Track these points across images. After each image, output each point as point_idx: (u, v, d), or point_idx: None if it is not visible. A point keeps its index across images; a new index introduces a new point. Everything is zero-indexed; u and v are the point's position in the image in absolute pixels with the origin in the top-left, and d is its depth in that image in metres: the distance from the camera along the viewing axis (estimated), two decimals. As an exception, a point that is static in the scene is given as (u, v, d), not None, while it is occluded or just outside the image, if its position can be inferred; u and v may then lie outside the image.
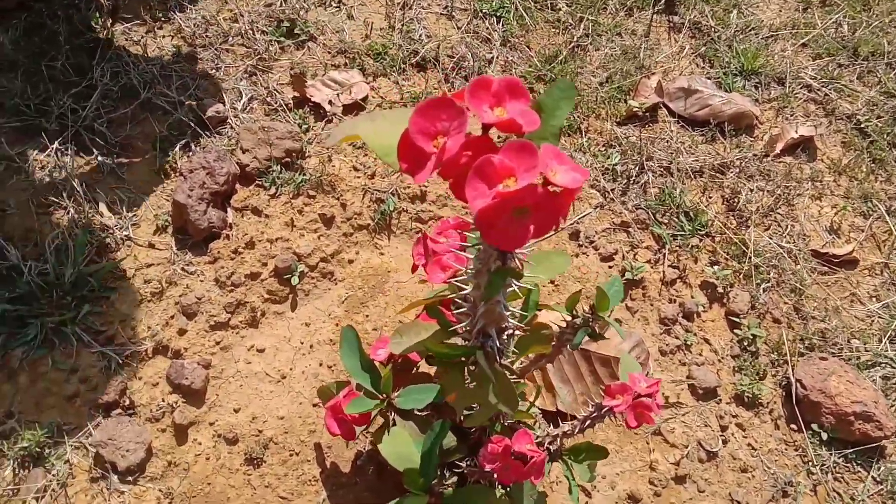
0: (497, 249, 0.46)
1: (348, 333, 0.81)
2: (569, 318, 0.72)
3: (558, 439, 0.83)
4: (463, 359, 0.62)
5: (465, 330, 0.59)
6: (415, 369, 0.88)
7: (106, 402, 0.90)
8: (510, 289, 0.53)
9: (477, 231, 0.48)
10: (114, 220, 1.03)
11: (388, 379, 0.79)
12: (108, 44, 1.19)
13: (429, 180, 1.13)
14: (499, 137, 0.42)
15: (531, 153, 0.37)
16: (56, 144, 1.08)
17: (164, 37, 1.25)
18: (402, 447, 0.79)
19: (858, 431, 1.01)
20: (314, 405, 0.96)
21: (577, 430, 0.81)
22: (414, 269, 0.72)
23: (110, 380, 0.91)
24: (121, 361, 0.93)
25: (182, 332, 0.98)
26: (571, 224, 1.16)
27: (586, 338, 0.74)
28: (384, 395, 0.80)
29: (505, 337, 0.60)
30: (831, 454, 1.01)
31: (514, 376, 0.64)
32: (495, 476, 0.74)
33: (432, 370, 0.87)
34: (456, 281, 0.54)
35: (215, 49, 1.24)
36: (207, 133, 1.14)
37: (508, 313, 0.55)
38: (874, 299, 1.17)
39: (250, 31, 1.26)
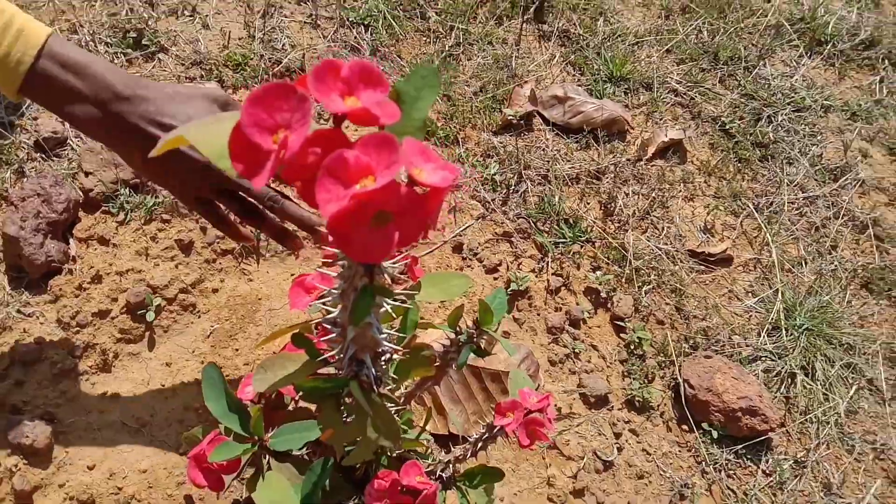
0: (362, 264, 0.40)
1: (210, 372, 0.72)
2: (452, 336, 0.67)
3: (451, 465, 0.78)
4: (339, 391, 0.55)
5: (336, 359, 0.52)
6: (292, 405, 0.80)
7: (-79, 475, 0.76)
8: (382, 309, 0.47)
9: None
10: (-71, 259, 0.89)
11: (259, 419, 0.71)
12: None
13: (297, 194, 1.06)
14: (355, 130, 0.36)
15: (391, 147, 0.31)
16: None
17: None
18: (279, 493, 0.70)
19: (746, 426, 1.01)
20: (181, 454, 0.86)
21: (469, 454, 0.76)
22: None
23: (-73, 447, 0.78)
24: (-60, 424, 0.79)
25: (20, 383, 0.85)
26: (454, 237, 1.11)
27: (472, 355, 0.69)
28: (256, 438, 0.71)
29: (382, 362, 0.53)
30: (723, 452, 1.01)
31: (395, 405, 0.58)
32: (385, 515, 0.67)
33: (310, 405, 0.80)
34: (323, 304, 0.47)
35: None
36: (43, 156, 1.01)
37: (383, 336, 0.49)
38: (750, 294, 1.20)
39: (92, 44, 1.14)
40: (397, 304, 0.43)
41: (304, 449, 0.74)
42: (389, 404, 0.54)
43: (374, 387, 0.52)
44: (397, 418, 0.57)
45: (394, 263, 0.44)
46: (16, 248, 0.90)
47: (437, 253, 1.10)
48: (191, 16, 1.22)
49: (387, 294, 0.42)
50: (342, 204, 0.31)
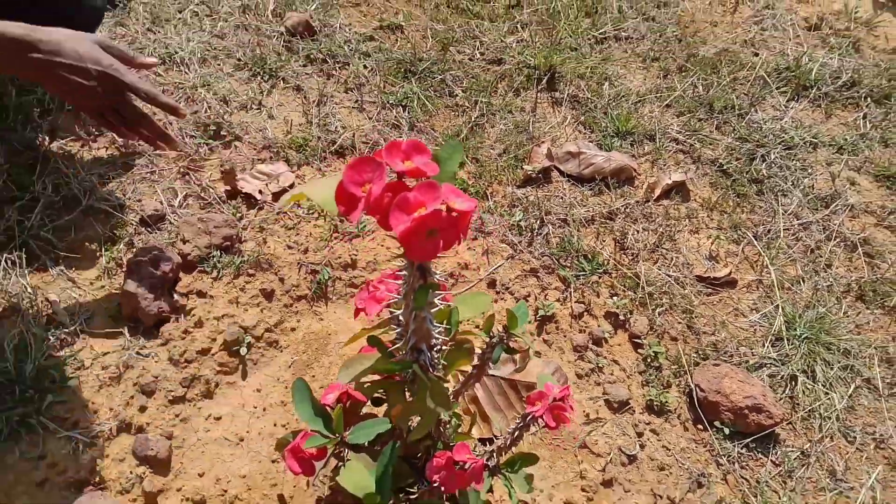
0: (418, 268, 0.59)
1: (299, 384, 0.91)
2: (487, 339, 0.85)
3: (494, 455, 0.95)
4: (401, 377, 0.74)
5: (401, 353, 0.71)
6: (361, 410, 0.98)
7: (77, 480, 0.96)
8: (434, 308, 0.66)
9: (404, 261, 0.62)
10: (68, 316, 1.11)
11: (340, 419, 0.90)
12: (45, 160, 1.29)
13: (358, 250, 1.27)
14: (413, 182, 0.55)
15: (435, 189, 0.51)
16: (5, 254, 1.16)
17: (98, 149, 1.36)
18: (359, 476, 0.88)
19: (753, 423, 1.16)
20: (273, 461, 1.05)
21: (509, 442, 0.93)
22: (356, 313, 0.84)
23: (79, 461, 0.98)
24: (87, 442, 1.00)
25: (143, 409, 1.05)
26: (488, 274, 1.31)
27: (508, 358, 0.87)
28: (337, 435, 0.90)
29: (434, 352, 0.72)
30: (734, 446, 1.16)
31: (445, 384, 0.76)
32: (443, 489, 0.85)
33: (378, 410, 0.98)
34: (389, 308, 0.67)
35: (149, 156, 1.36)
36: (149, 230, 1.24)
37: (436, 330, 0.68)
38: (754, 311, 1.35)
39: (180, 136, 1.38)
40: (445, 304, 0.62)
41: (376, 443, 0.92)
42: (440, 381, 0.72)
43: (430, 368, 0.71)
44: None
45: (438, 272, 0.63)
46: (134, 303, 1.12)
47: (475, 289, 1.29)
48: (258, 109, 1.47)
49: (435, 287, 0.61)
50: (407, 225, 0.51)
